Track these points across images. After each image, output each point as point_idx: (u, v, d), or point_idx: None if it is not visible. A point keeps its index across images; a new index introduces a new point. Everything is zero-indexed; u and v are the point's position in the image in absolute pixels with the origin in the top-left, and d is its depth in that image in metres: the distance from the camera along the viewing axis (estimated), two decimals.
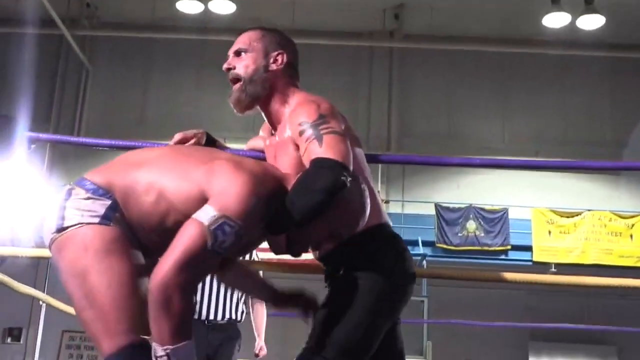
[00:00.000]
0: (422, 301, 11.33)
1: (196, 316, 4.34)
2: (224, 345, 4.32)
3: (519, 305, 12.06)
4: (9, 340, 12.82)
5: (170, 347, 1.81)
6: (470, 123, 13.73)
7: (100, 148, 3.11)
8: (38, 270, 10.24)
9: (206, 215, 1.84)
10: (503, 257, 11.74)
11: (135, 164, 2.05)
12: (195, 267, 1.82)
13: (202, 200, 1.91)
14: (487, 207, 12.00)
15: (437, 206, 11.98)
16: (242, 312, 4.55)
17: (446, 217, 11.91)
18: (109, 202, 1.96)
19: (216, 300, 4.41)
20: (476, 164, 4.01)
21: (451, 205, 12.06)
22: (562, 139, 13.18)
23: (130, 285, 1.91)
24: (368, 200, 2.04)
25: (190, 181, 1.95)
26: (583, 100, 13.70)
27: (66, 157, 12.74)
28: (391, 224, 2.31)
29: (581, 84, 13.67)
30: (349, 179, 1.92)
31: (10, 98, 10.37)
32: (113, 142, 2.96)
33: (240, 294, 4.49)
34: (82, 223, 1.94)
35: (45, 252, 2.34)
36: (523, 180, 12.86)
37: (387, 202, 12.60)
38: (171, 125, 11.67)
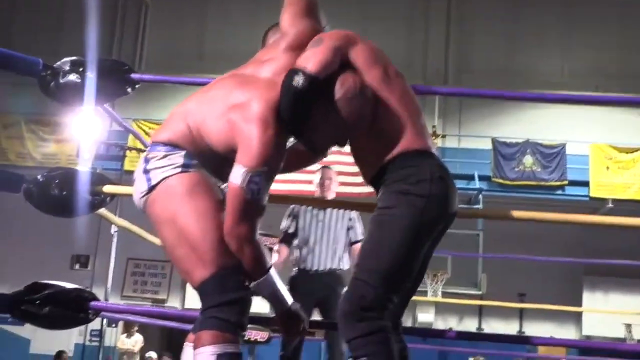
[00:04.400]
0: (478, 235, 11.45)
1: (301, 266, 4.77)
2: (329, 293, 4.55)
3: (574, 239, 12.02)
4: (77, 267, 13.41)
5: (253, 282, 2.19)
6: (529, 57, 13.54)
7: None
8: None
9: (238, 176, 2.11)
10: (559, 192, 11.73)
11: (183, 114, 2.28)
12: (246, 218, 2.13)
13: (234, 144, 2.17)
14: (544, 142, 11.93)
15: (494, 141, 11.97)
16: (345, 261, 4.86)
17: (503, 151, 11.89)
18: (183, 152, 2.22)
19: (319, 251, 4.77)
20: (530, 98, 3.98)
21: (508, 140, 12.03)
22: (622, 73, 12.92)
23: (215, 220, 2.16)
24: (364, 111, 2.21)
25: (222, 132, 2.21)
26: None
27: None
28: (435, 152, 2.33)
29: None
30: (305, 78, 2.16)
31: (73, 36, 10.56)
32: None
33: (342, 246, 4.83)
34: (166, 177, 2.19)
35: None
36: (581, 115, 12.70)
37: (443, 136, 12.61)
38: (229, 58, 11.77)
